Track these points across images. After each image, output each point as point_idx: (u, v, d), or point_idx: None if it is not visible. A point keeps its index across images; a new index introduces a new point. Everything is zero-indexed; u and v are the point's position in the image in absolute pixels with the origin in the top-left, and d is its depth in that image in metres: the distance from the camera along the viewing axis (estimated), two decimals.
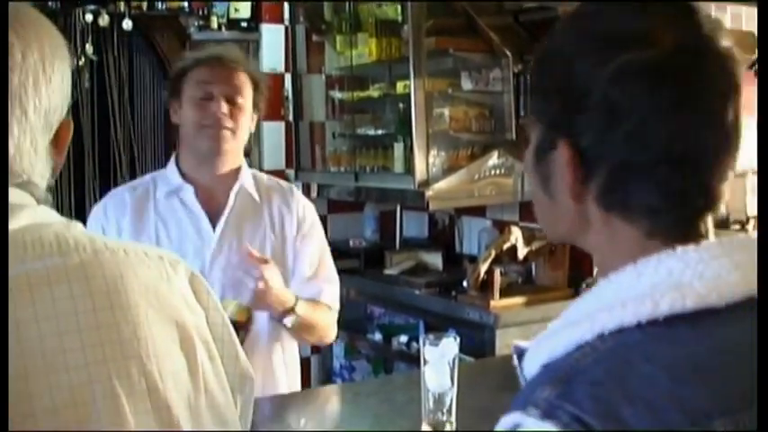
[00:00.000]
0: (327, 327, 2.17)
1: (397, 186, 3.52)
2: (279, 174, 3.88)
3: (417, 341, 2.55)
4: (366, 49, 3.71)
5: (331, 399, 2.30)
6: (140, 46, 3.83)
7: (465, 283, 3.20)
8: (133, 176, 3.24)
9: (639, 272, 0.74)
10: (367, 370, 3.96)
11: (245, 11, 3.88)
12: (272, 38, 3.98)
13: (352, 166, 3.82)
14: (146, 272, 0.89)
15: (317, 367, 4.05)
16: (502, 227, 3.45)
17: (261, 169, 3.86)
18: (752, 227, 3.48)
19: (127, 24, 3.62)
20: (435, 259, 3.73)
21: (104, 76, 3.72)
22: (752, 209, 3.49)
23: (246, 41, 3.85)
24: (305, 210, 2.19)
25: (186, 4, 3.80)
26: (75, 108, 3.61)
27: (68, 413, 0.79)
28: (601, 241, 0.80)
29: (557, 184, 0.80)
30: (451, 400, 1.74)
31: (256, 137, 3.88)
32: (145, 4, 3.69)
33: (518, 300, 3.15)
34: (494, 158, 3.43)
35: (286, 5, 4.02)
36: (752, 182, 3.46)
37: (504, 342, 2.98)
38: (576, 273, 3.20)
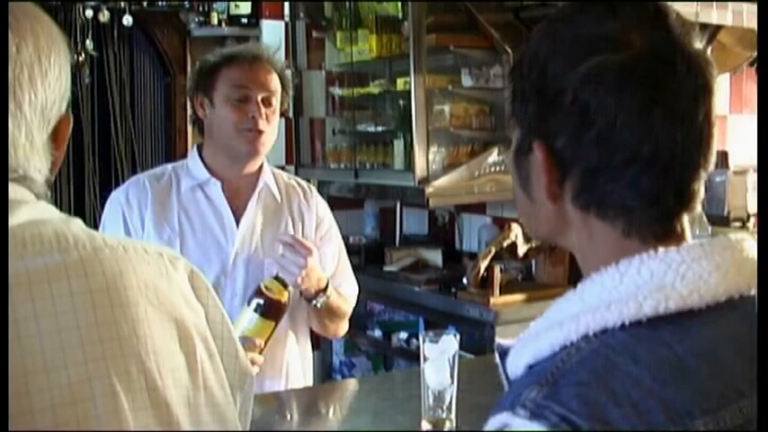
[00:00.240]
0: (346, 316, 2.19)
1: (397, 183, 3.52)
2: (279, 170, 3.88)
3: (417, 338, 2.55)
4: (366, 46, 3.70)
5: (331, 395, 2.30)
6: (141, 42, 3.83)
7: (465, 280, 3.20)
8: (133, 172, 3.24)
9: (622, 273, 0.75)
10: (367, 367, 3.96)
11: (245, 7, 3.88)
12: (273, 34, 3.97)
13: (352, 162, 3.82)
14: (145, 269, 0.88)
15: (316, 364, 4.01)
16: (502, 224, 3.45)
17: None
18: (752, 224, 3.48)
19: (127, 20, 3.62)
20: (435, 256, 3.73)
21: (104, 72, 3.72)
22: (752, 206, 3.49)
23: (247, 38, 3.84)
24: (324, 210, 2.23)
25: (186, 0, 3.79)
26: (74, 104, 3.63)
27: (67, 410, 0.79)
28: (580, 241, 0.82)
29: (535, 186, 0.81)
30: (451, 398, 1.74)
31: None
32: (145, 1, 3.69)
33: (518, 297, 3.15)
34: (494, 155, 3.42)
35: (286, 2, 4.02)
36: (753, 179, 3.46)
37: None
38: (576, 270, 3.15)
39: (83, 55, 3.55)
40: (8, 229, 0.82)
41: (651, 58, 0.76)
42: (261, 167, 2.14)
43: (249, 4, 3.88)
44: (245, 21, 3.88)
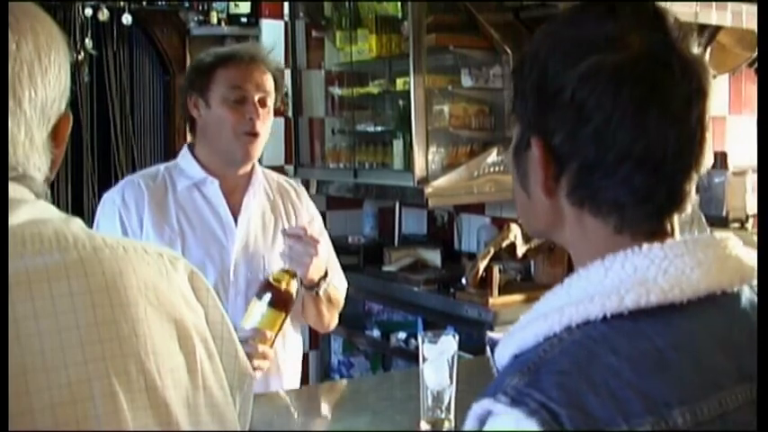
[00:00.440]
0: (339, 305, 2.20)
1: (396, 183, 3.52)
2: (278, 170, 3.88)
3: (416, 338, 2.55)
4: (366, 46, 3.70)
5: (329, 395, 2.30)
6: (140, 41, 3.83)
7: (464, 281, 3.19)
8: (132, 171, 3.23)
9: (607, 268, 0.78)
10: (365, 366, 3.96)
11: (244, 6, 3.88)
12: (272, 33, 3.97)
13: (351, 162, 3.82)
14: (145, 269, 0.88)
15: (315, 363, 4.05)
16: (501, 224, 3.45)
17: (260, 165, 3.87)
18: (751, 225, 3.49)
19: (126, 19, 3.62)
20: (434, 256, 3.73)
21: (104, 70, 3.72)
22: (751, 207, 3.49)
23: (246, 37, 3.85)
24: (313, 207, 2.27)
25: None
26: (73, 103, 3.62)
27: (67, 410, 0.79)
28: (574, 237, 0.84)
29: (532, 181, 0.84)
30: (450, 398, 1.75)
31: None
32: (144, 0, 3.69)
33: (517, 297, 3.15)
34: (493, 155, 3.42)
35: (286, 1, 4.01)
36: (752, 180, 3.46)
37: None
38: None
39: (82, 54, 3.55)
40: (8, 229, 0.82)
41: (648, 59, 0.78)
42: (253, 166, 2.15)
43: (249, 3, 3.88)
44: (244, 20, 3.88)
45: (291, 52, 4.03)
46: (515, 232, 3.10)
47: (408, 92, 3.34)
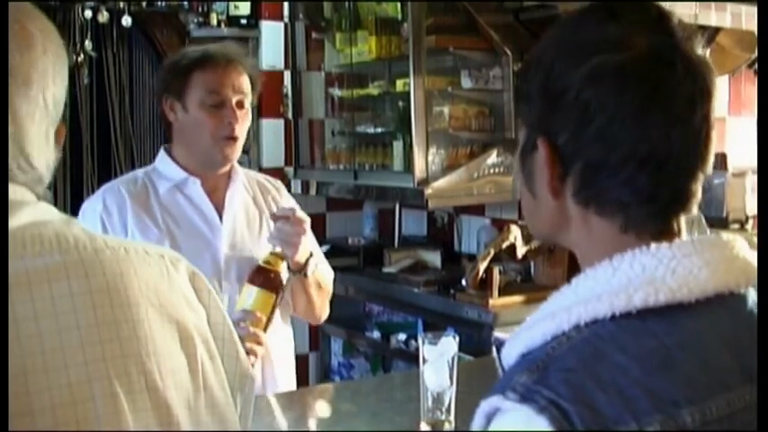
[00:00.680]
0: (329, 292, 2.20)
1: (396, 184, 3.52)
2: (278, 171, 3.88)
3: (416, 339, 2.55)
4: (366, 47, 3.70)
5: (329, 397, 2.30)
6: (140, 42, 3.83)
7: (464, 282, 3.19)
8: None
9: (615, 267, 0.79)
10: (365, 368, 3.96)
11: (244, 8, 3.88)
12: (272, 35, 3.97)
13: (351, 163, 3.82)
14: (146, 270, 0.88)
15: (315, 365, 4.05)
16: (501, 225, 3.45)
17: (260, 166, 3.87)
18: (751, 226, 3.49)
19: (126, 21, 3.62)
20: (434, 257, 3.73)
21: (103, 72, 3.71)
22: (751, 208, 3.49)
23: (246, 38, 3.85)
24: (294, 203, 2.24)
25: (186, 1, 3.79)
26: (74, 104, 3.63)
27: (67, 411, 0.79)
28: (580, 237, 0.84)
29: (538, 182, 0.84)
30: (450, 399, 1.74)
31: (255, 134, 3.88)
32: (144, 1, 3.69)
33: (517, 298, 3.15)
34: (493, 157, 3.42)
35: (286, 3, 4.01)
36: (752, 181, 3.46)
37: None
38: (576, 271, 3.17)
39: (81, 55, 3.55)
40: (8, 230, 0.82)
41: (651, 59, 0.78)
42: (232, 165, 2.15)
43: (249, 4, 3.88)
44: (244, 21, 3.88)
45: (291, 54, 4.03)
46: (515, 233, 3.11)
47: (408, 93, 3.34)
